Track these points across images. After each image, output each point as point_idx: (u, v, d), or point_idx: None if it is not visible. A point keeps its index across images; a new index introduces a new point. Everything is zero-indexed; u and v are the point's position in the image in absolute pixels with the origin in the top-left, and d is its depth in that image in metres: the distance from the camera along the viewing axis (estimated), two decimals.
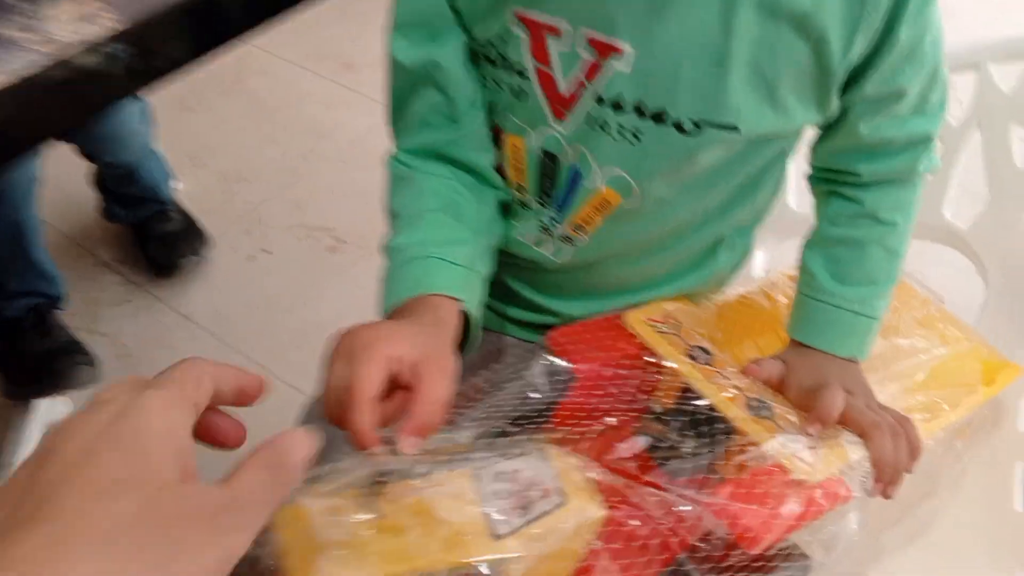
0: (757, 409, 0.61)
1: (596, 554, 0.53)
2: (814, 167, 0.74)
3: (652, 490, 0.55)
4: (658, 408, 0.64)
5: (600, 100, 0.62)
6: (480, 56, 0.66)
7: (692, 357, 0.64)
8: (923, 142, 0.67)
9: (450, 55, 0.64)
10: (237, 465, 0.36)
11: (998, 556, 0.80)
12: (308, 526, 0.46)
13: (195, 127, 1.93)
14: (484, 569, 0.48)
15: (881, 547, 0.75)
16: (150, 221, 1.59)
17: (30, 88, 0.58)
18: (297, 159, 1.86)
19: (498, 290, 0.79)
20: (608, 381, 0.63)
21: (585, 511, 0.52)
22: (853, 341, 0.68)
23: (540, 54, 0.62)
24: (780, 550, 0.57)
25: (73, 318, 1.52)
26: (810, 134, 0.72)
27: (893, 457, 0.60)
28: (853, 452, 0.60)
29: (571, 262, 0.73)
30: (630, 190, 0.66)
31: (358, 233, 1.69)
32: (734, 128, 0.61)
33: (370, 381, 0.50)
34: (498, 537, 0.50)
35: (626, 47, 0.59)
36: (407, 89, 0.67)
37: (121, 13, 0.63)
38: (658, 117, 0.61)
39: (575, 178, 0.67)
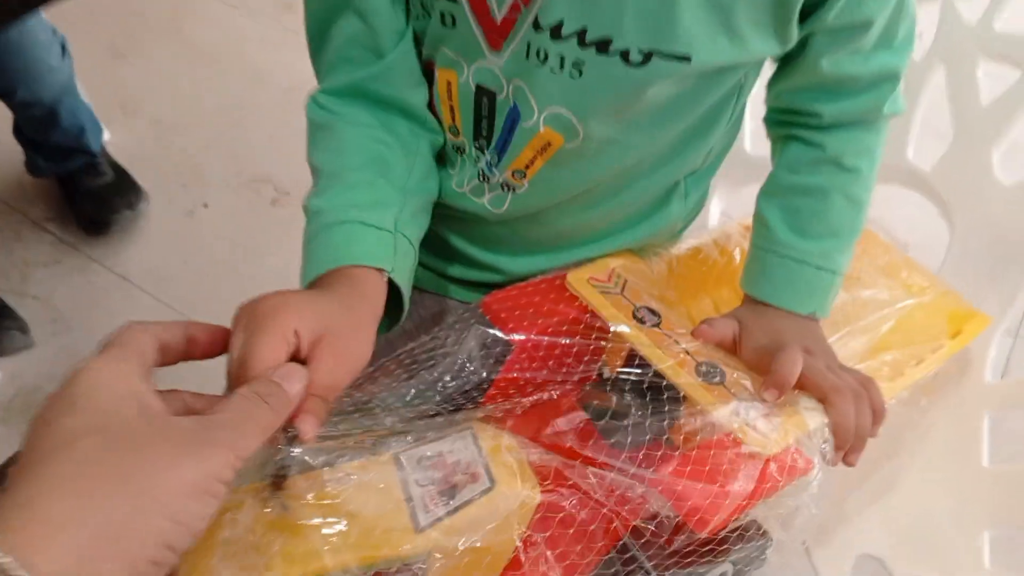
0: (708, 375, 0.56)
1: (530, 542, 0.48)
2: (771, 108, 0.68)
3: (593, 469, 0.50)
4: (603, 375, 0.59)
5: (537, 26, 0.55)
6: None
7: (639, 319, 0.59)
8: (889, 79, 0.62)
9: None
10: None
11: (965, 513, 0.77)
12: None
13: (126, 74, 1.83)
14: (402, 565, 0.44)
15: (843, 512, 0.72)
16: (79, 175, 1.50)
17: None
18: (235, 106, 1.77)
19: (436, 246, 0.73)
20: (547, 350, 0.57)
21: (515, 496, 0.47)
22: (814, 298, 0.63)
23: None
24: (734, 529, 0.53)
25: (0, 281, 1.44)
26: (767, 71, 0.66)
27: (856, 422, 0.56)
28: (812, 419, 0.55)
29: (511, 212, 0.67)
30: (573, 130, 0.60)
31: (301, 184, 1.59)
32: (686, 58, 0.55)
33: (264, 354, 0.44)
34: (419, 529, 0.45)
35: None
36: (325, 19, 0.61)
37: None
38: (602, 46, 0.55)
39: (513, 118, 0.61)
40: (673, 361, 0.56)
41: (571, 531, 0.48)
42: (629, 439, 0.54)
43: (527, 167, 0.64)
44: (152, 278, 1.47)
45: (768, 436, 0.52)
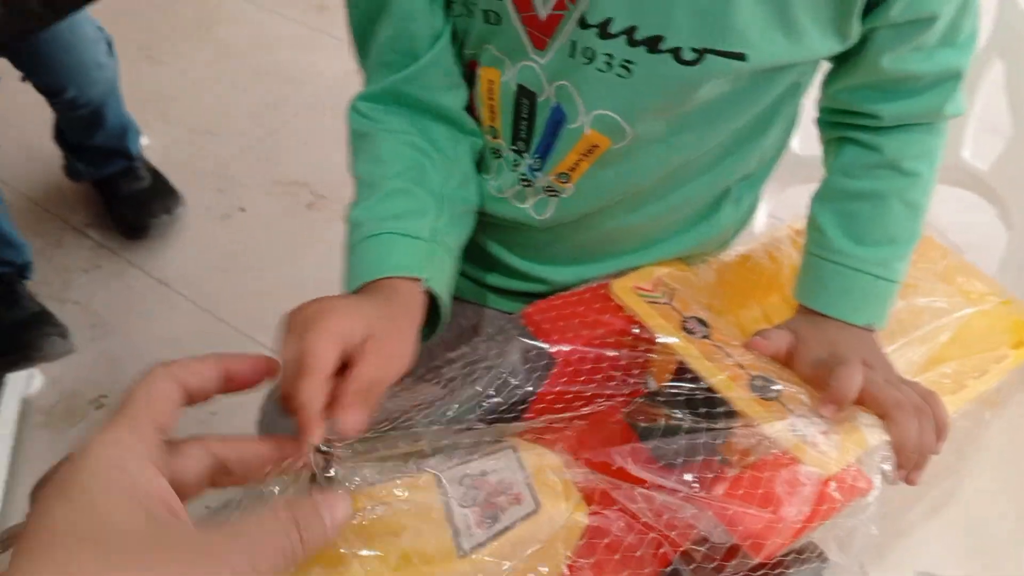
0: (762, 389, 0.53)
1: (576, 568, 0.46)
2: (825, 108, 0.65)
3: (641, 490, 0.48)
4: (650, 390, 0.57)
5: (584, 24, 0.54)
6: None
7: (688, 330, 0.57)
8: (951, 78, 0.59)
9: None
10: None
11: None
12: None
13: (161, 79, 1.84)
14: None
15: (900, 528, 0.69)
16: (117, 179, 1.51)
17: None
18: (270, 109, 1.77)
19: (476, 255, 0.71)
20: (592, 363, 0.55)
21: (561, 519, 0.46)
22: (872, 308, 0.60)
23: None
24: (789, 552, 0.50)
25: (41, 287, 1.46)
26: (823, 67, 0.63)
27: (918, 440, 0.53)
28: (872, 436, 0.52)
29: (555, 218, 0.65)
30: (620, 132, 0.58)
31: (337, 186, 1.61)
32: (740, 56, 0.53)
33: (319, 351, 0.44)
34: (462, 553, 0.43)
35: None
36: (365, 25, 0.61)
37: None
38: (652, 44, 0.53)
39: (558, 120, 0.60)
40: (725, 375, 0.54)
41: (617, 556, 0.46)
42: (680, 458, 0.51)
43: (571, 170, 0.62)
44: (190, 282, 1.48)
45: (827, 454, 0.50)
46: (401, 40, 0.60)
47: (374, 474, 0.45)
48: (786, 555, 0.50)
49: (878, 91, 0.59)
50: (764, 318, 0.69)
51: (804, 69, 0.60)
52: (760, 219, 0.90)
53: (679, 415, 0.54)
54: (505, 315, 0.70)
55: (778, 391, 0.54)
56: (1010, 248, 0.85)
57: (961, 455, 0.67)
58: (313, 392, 0.43)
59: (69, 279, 1.49)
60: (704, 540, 0.48)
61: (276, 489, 0.41)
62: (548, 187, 0.64)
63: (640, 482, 0.49)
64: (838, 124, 0.64)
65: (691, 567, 0.47)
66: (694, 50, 0.53)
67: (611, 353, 0.55)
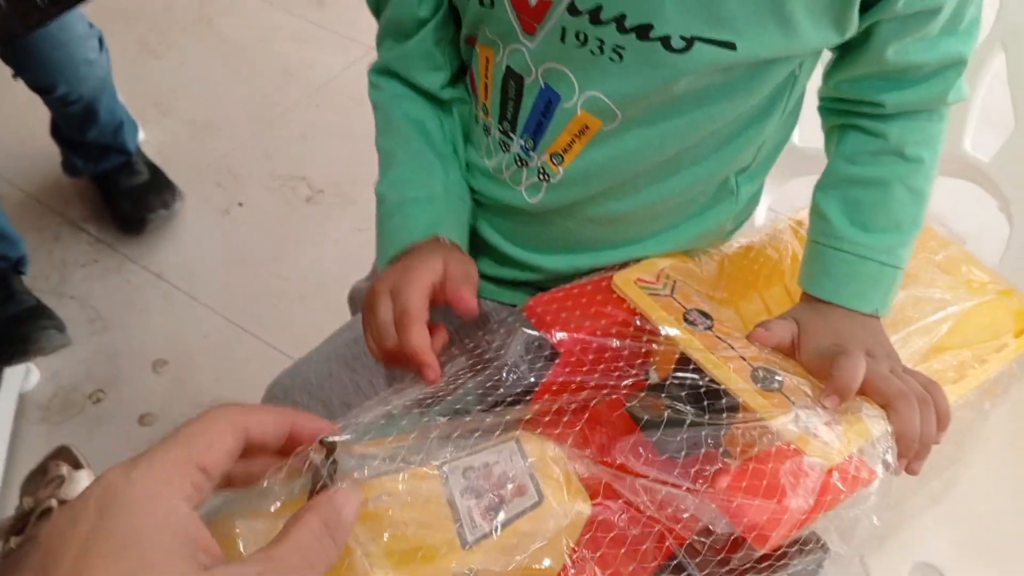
0: (765, 381, 0.53)
1: (580, 560, 0.46)
2: (826, 97, 0.65)
3: (643, 482, 0.48)
4: (652, 381, 0.56)
5: (575, 11, 0.54)
6: None
7: (690, 322, 0.57)
8: (954, 66, 0.59)
9: None
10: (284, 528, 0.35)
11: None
12: (235, 551, 0.39)
13: (159, 73, 1.83)
14: None
15: (901, 516, 0.69)
16: (115, 174, 1.51)
17: None
18: (268, 103, 1.76)
19: (476, 246, 0.71)
20: (595, 353, 0.55)
21: (564, 510, 0.45)
22: (877, 295, 0.60)
23: None
24: (793, 543, 0.50)
25: (38, 281, 1.45)
26: (824, 58, 0.63)
27: (920, 429, 0.53)
28: (874, 427, 0.52)
29: (545, 203, 0.65)
30: (611, 114, 0.58)
31: (335, 181, 1.60)
32: (731, 46, 0.53)
33: (418, 304, 0.55)
34: (466, 545, 0.43)
35: None
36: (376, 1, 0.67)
37: None
38: (642, 32, 0.53)
39: (548, 99, 0.60)
40: (728, 366, 0.53)
41: (623, 550, 0.46)
42: (682, 450, 0.51)
43: (565, 151, 0.62)
44: (188, 277, 1.48)
45: (830, 445, 0.50)
46: (394, 21, 0.66)
47: (378, 465, 0.45)
48: (788, 545, 0.50)
49: (881, 81, 0.59)
50: (765, 308, 0.69)
51: (802, 61, 0.59)
52: (761, 213, 0.89)
53: (681, 407, 0.53)
54: (507, 307, 0.70)
55: (781, 382, 0.53)
56: (1010, 239, 0.85)
57: (961, 445, 0.67)
58: (421, 337, 0.54)
59: (67, 274, 1.49)
60: (708, 532, 0.48)
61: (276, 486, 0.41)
62: (541, 169, 0.64)
63: (643, 475, 0.49)
64: (840, 111, 0.63)
65: (696, 560, 0.47)
66: (683, 38, 0.53)
67: (614, 343, 0.55)
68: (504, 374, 0.54)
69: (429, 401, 0.52)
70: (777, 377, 0.54)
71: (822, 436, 0.50)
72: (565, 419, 0.51)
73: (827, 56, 0.63)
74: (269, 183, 1.62)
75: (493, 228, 0.70)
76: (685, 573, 0.47)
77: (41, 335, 1.32)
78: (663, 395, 0.54)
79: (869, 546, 0.55)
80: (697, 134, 0.60)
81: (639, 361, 0.56)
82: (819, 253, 0.62)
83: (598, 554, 0.46)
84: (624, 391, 0.54)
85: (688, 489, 0.48)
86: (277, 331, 1.38)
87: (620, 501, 0.47)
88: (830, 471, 0.49)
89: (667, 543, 0.47)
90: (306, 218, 1.56)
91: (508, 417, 0.51)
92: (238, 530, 0.39)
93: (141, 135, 1.59)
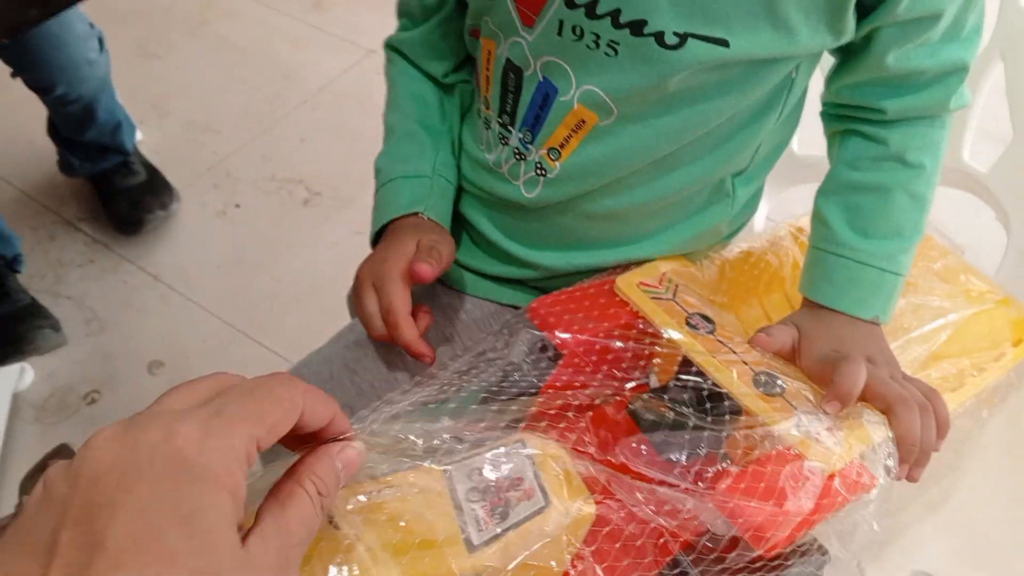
0: (767, 385, 0.53)
1: (579, 556, 0.46)
2: (828, 103, 0.66)
3: (642, 483, 0.48)
4: (655, 383, 0.57)
5: (571, 4, 0.55)
6: None
7: (692, 326, 0.57)
8: (956, 72, 0.59)
9: None
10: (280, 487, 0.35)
11: (1021, 518, 0.73)
12: None
13: (157, 74, 1.83)
14: None
15: (899, 524, 0.69)
16: (112, 175, 1.51)
17: None
18: (266, 106, 1.76)
19: (476, 245, 0.73)
20: (598, 355, 0.55)
21: (569, 513, 0.45)
22: (878, 301, 0.61)
23: None
24: (793, 546, 0.50)
25: (34, 281, 1.45)
26: (824, 64, 0.63)
27: (921, 436, 0.53)
28: (875, 432, 0.52)
29: (542, 198, 0.66)
30: (606, 108, 0.59)
31: (332, 184, 1.60)
32: (723, 42, 0.53)
33: (399, 300, 0.62)
34: (473, 548, 0.43)
35: None
36: None
37: None
38: (636, 28, 0.54)
39: (546, 92, 0.61)
40: (730, 371, 0.54)
41: (618, 545, 0.46)
42: (683, 453, 0.51)
43: (561, 146, 0.62)
44: (184, 278, 1.47)
45: (831, 450, 0.50)
46: (407, 4, 0.71)
47: (382, 466, 0.45)
48: (788, 551, 0.51)
49: (883, 87, 0.60)
50: (765, 316, 0.70)
51: (798, 63, 0.60)
52: (759, 220, 0.89)
53: (683, 410, 0.54)
54: (510, 309, 0.71)
55: (783, 387, 0.54)
56: (1008, 249, 0.85)
57: (959, 453, 0.67)
58: (409, 331, 0.62)
59: (62, 274, 1.49)
60: (706, 532, 0.48)
61: None
62: (539, 163, 0.64)
63: (643, 476, 0.49)
64: (842, 117, 0.64)
65: (691, 557, 0.48)
66: (676, 34, 0.53)
67: (617, 345, 0.55)
68: (507, 375, 0.55)
69: (433, 402, 0.52)
70: (779, 382, 0.54)
71: (823, 441, 0.51)
72: (568, 418, 0.51)
73: (829, 62, 0.64)
74: (266, 186, 1.62)
75: (492, 224, 0.71)
76: (680, 570, 0.48)
77: (37, 334, 1.31)
78: (666, 397, 0.54)
79: (868, 552, 0.55)
80: (692, 132, 0.61)
81: (641, 364, 0.56)
82: (820, 259, 0.62)
83: (595, 549, 0.46)
84: (626, 393, 0.55)
85: (687, 490, 0.48)
86: (272, 333, 1.38)
87: (618, 499, 0.47)
88: (832, 476, 0.49)
89: (664, 540, 0.47)
90: (303, 221, 1.56)
91: (512, 417, 0.51)
92: None
93: (138, 136, 1.59)
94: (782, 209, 0.96)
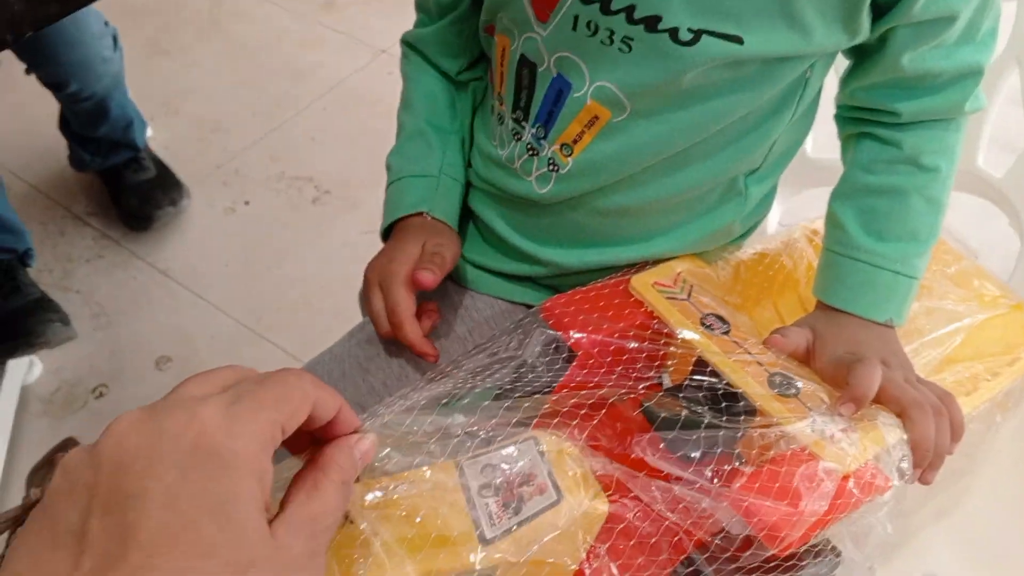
0: (782, 386, 0.53)
1: (593, 554, 0.46)
2: (843, 105, 0.65)
3: (657, 481, 0.48)
4: (668, 383, 0.56)
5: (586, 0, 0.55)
6: None
7: (707, 326, 0.57)
8: (971, 75, 0.59)
9: None
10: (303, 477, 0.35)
11: None
12: None
13: (169, 72, 1.83)
14: None
15: (910, 527, 0.69)
16: (122, 170, 1.51)
17: None
18: (276, 104, 1.77)
19: (489, 243, 0.73)
20: (613, 355, 0.55)
21: (582, 509, 0.45)
22: (892, 305, 0.60)
23: None
24: (807, 547, 0.50)
25: (43, 275, 1.45)
26: (839, 65, 0.63)
27: (935, 439, 0.53)
28: (890, 435, 0.52)
29: (554, 194, 0.66)
30: (620, 105, 0.59)
31: (341, 182, 1.61)
32: (738, 40, 0.53)
33: (404, 303, 0.64)
34: (486, 542, 0.43)
35: None
36: None
37: None
38: (651, 23, 0.54)
39: (560, 88, 0.61)
40: (745, 371, 0.53)
41: (632, 542, 0.46)
42: (697, 452, 0.51)
43: (574, 142, 0.62)
44: (193, 274, 1.48)
45: (846, 451, 0.50)
46: (424, 1, 0.72)
47: (397, 461, 0.45)
48: (801, 551, 0.50)
49: (897, 89, 0.60)
50: (777, 316, 0.69)
51: (813, 63, 0.60)
52: (772, 223, 0.89)
53: (698, 409, 0.53)
54: (520, 307, 0.71)
55: (799, 388, 0.53)
56: (1021, 254, 0.85)
57: (972, 458, 0.67)
58: (413, 331, 0.64)
59: (71, 268, 1.49)
60: (722, 532, 0.48)
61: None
62: (551, 159, 0.64)
63: (657, 475, 0.49)
64: (857, 120, 0.64)
65: (705, 556, 0.47)
66: (690, 30, 0.53)
67: (632, 345, 0.55)
68: (521, 374, 0.54)
69: (447, 399, 0.52)
70: (794, 383, 0.54)
71: (838, 442, 0.50)
72: (581, 415, 0.51)
73: (844, 64, 0.64)
74: (276, 184, 1.62)
75: (504, 220, 0.71)
76: (693, 567, 0.47)
77: (47, 328, 1.32)
78: (679, 398, 0.54)
79: (880, 555, 0.55)
80: (705, 130, 0.61)
81: (656, 364, 0.56)
82: (834, 262, 0.62)
83: (609, 545, 0.46)
84: (640, 393, 0.55)
85: (701, 488, 0.48)
86: (280, 331, 1.38)
87: (633, 497, 0.47)
88: (846, 477, 0.49)
89: (678, 538, 0.47)
90: (312, 219, 1.56)
91: (525, 415, 0.51)
92: None
93: (149, 132, 1.59)
94: (795, 213, 0.96)
